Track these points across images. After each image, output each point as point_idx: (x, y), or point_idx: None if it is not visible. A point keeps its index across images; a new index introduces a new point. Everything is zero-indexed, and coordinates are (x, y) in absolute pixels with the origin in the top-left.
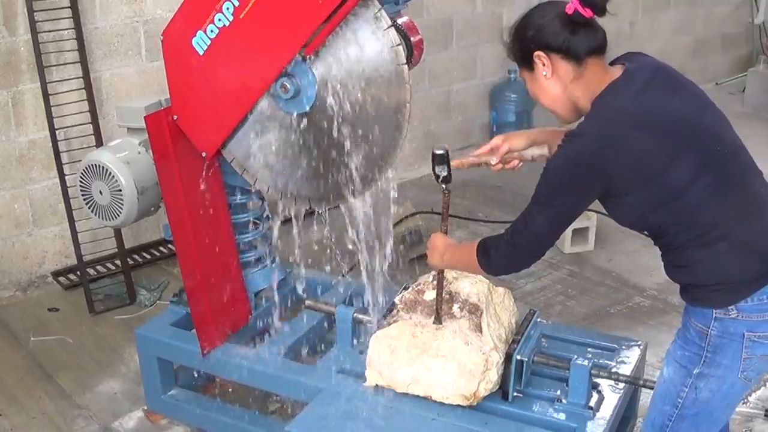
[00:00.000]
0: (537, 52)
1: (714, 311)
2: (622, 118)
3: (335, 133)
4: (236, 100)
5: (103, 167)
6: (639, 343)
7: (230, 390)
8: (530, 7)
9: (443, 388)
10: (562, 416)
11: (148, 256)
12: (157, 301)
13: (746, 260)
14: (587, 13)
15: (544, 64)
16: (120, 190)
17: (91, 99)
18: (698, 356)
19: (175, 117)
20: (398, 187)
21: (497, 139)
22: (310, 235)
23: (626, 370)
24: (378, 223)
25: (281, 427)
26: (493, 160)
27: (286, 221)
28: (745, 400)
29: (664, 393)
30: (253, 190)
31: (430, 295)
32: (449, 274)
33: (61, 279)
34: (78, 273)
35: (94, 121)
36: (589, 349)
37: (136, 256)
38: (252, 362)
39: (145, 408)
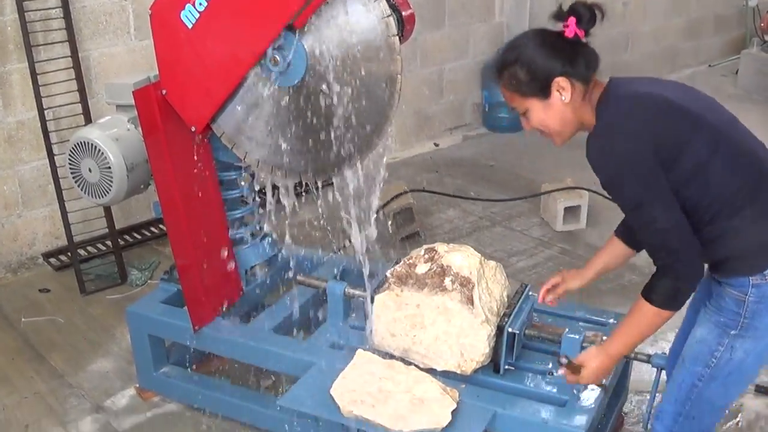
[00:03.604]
0: (558, 79)
1: (751, 278)
2: (641, 102)
3: (326, 106)
4: (225, 73)
5: (91, 144)
6: None
7: (223, 368)
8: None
9: (437, 355)
10: (553, 389)
11: (139, 237)
12: (149, 281)
13: None
14: (582, 33)
15: (564, 89)
16: (109, 167)
17: (79, 78)
18: (735, 321)
19: (164, 91)
20: (390, 166)
21: (556, 279)
22: (301, 213)
23: None
24: (369, 199)
25: (274, 403)
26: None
27: (277, 203)
28: None
29: (696, 353)
30: (243, 165)
31: (422, 268)
32: (440, 248)
33: (52, 260)
34: (69, 254)
35: (83, 100)
36: (580, 323)
37: (126, 237)
38: (244, 338)
39: (137, 386)
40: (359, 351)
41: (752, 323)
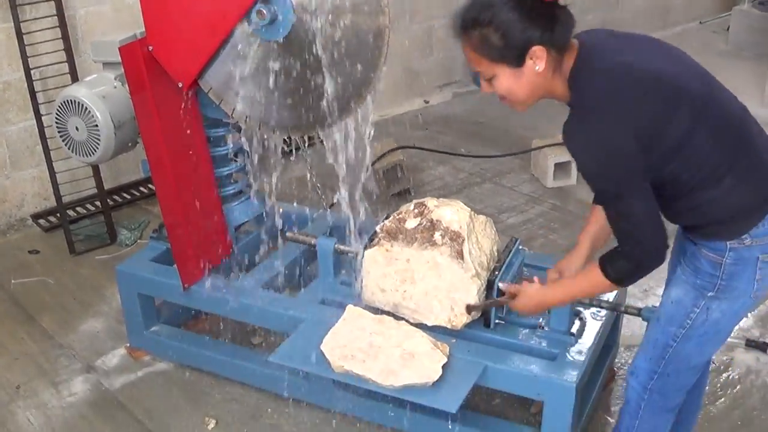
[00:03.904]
0: (535, 48)
1: (728, 243)
2: (620, 81)
3: (313, 61)
4: (212, 27)
5: (78, 102)
6: None
7: (214, 325)
8: None
9: (428, 310)
10: (543, 343)
11: (128, 196)
12: (138, 241)
13: (752, 188)
14: None
15: (539, 59)
16: (96, 126)
17: (66, 37)
18: (712, 284)
19: (151, 47)
20: (380, 123)
21: (553, 274)
22: (291, 170)
23: (608, 298)
24: (358, 156)
25: (265, 360)
26: None
27: (263, 158)
28: (743, 318)
29: (671, 314)
30: (231, 121)
31: (411, 223)
32: (430, 203)
33: (41, 221)
34: (57, 215)
35: (70, 60)
36: None
37: (115, 197)
38: (234, 295)
39: (128, 345)
40: (349, 306)
41: (729, 285)
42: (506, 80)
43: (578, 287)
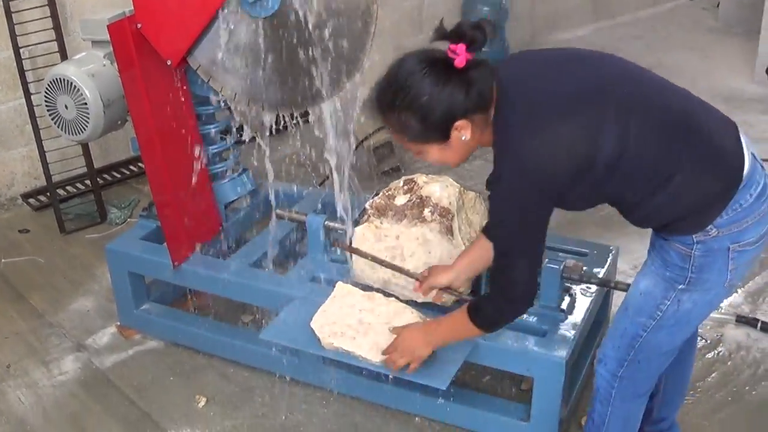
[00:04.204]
0: (458, 123)
1: (694, 236)
2: (533, 143)
3: (302, 37)
4: (201, 4)
5: (67, 81)
6: (611, 248)
7: (204, 304)
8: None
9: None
10: (533, 319)
11: (118, 175)
12: (128, 219)
13: (708, 179)
14: (471, 57)
15: (464, 129)
16: (85, 104)
17: (55, 15)
18: (682, 276)
19: (139, 25)
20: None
21: (424, 271)
22: (281, 147)
23: (598, 274)
24: (348, 133)
25: (255, 338)
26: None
27: (252, 139)
28: (717, 307)
29: (640, 305)
30: (221, 99)
31: (401, 200)
32: (420, 179)
33: (31, 200)
34: (48, 194)
35: (59, 38)
36: (560, 254)
37: (105, 176)
38: (224, 273)
39: (118, 324)
40: (339, 283)
41: (700, 277)
42: (435, 154)
43: (455, 332)
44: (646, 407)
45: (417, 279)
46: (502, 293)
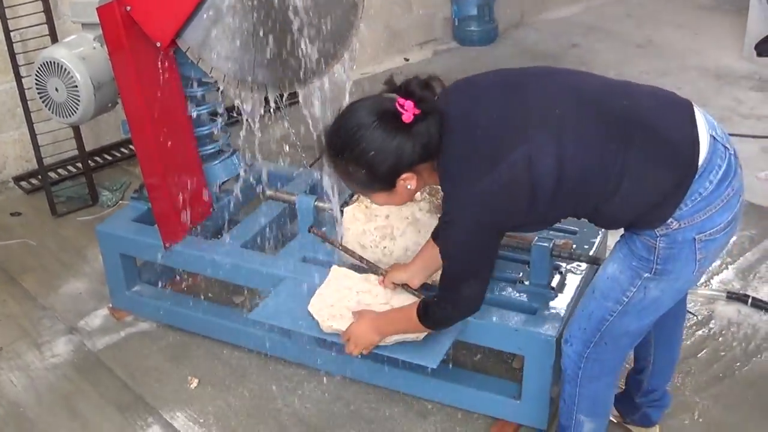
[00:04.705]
0: (404, 175)
1: (656, 231)
2: (476, 189)
3: (290, 16)
4: None
5: (58, 63)
6: (599, 230)
7: (194, 285)
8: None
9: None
10: (523, 297)
11: (110, 158)
12: (120, 201)
13: (655, 177)
14: (420, 111)
15: (410, 180)
16: (76, 86)
17: None
18: (648, 267)
19: (128, 8)
20: (360, 81)
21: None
22: (271, 129)
23: (588, 252)
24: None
25: (247, 319)
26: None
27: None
28: (707, 283)
29: (607, 289)
30: (210, 80)
31: None
32: None
33: (23, 183)
34: (39, 177)
35: (50, 21)
36: (550, 232)
37: (97, 158)
38: (215, 254)
39: (110, 306)
40: (334, 267)
41: (665, 268)
42: (381, 199)
43: (404, 325)
44: (637, 380)
45: (381, 274)
46: (451, 303)
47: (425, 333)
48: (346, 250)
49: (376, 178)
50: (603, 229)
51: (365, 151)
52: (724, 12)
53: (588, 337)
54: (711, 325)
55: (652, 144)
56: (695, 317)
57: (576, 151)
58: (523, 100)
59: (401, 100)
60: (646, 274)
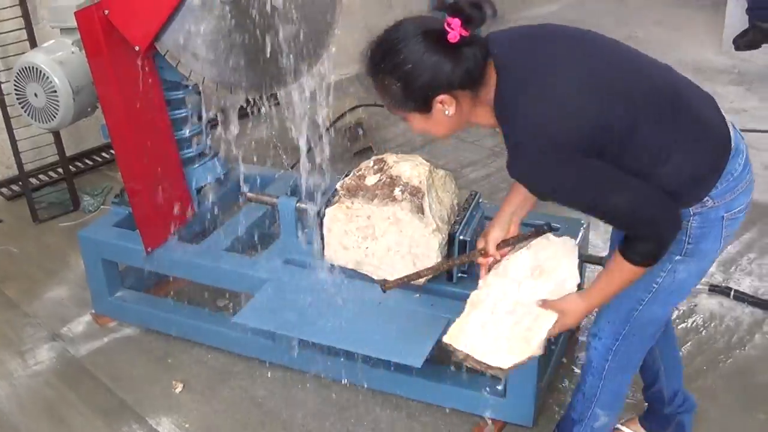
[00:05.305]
0: (440, 97)
1: (691, 209)
2: (550, 99)
3: (268, 20)
4: None
5: (36, 69)
6: (582, 222)
7: (178, 289)
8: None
9: (390, 266)
10: None
11: (90, 163)
12: (101, 207)
13: (702, 154)
14: (467, 34)
15: (446, 104)
16: (55, 91)
17: (23, 3)
18: (679, 248)
19: (107, 11)
20: (340, 81)
21: (480, 243)
22: (252, 131)
23: None
24: (318, 115)
25: (231, 322)
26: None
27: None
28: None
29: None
30: (189, 83)
31: (372, 179)
32: (389, 158)
33: (3, 190)
34: (20, 183)
35: (28, 26)
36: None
37: (78, 163)
38: (197, 258)
39: (93, 312)
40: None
41: (696, 248)
42: (418, 123)
43: (614, 284)
44: (656, 392)
45: (480, 255)
46: (647, 230)
47: None
48: (412, 277)
49: (411, 95)
50: (585, 225)
51: (403, 62)
52: (702, 7)
53: (617, 329)
54: (694, 318)
55: (699, 122)
56: (678, 310)
57: (644, 111)
58: (591, 46)
59: (449, 19)
60: (677, 257)
